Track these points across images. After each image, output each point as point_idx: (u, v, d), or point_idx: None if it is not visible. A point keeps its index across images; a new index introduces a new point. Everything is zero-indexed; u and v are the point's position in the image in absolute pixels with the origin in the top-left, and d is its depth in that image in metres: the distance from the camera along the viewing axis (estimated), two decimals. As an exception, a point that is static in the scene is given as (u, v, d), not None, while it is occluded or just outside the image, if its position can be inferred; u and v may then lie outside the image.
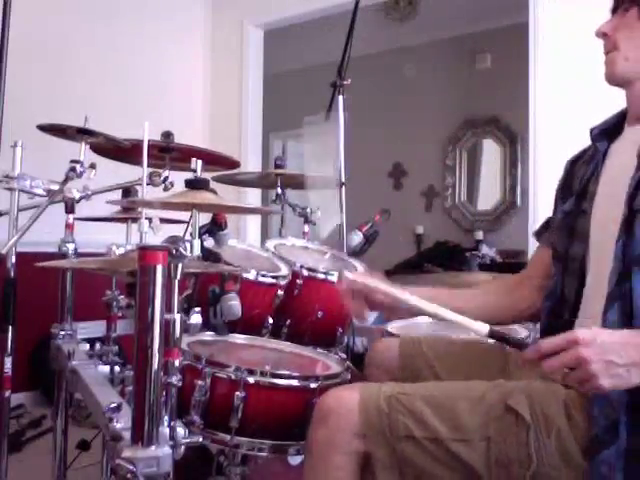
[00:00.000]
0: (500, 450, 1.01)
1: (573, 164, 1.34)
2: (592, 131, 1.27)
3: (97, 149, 1.79)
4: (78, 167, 1.62)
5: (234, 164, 1.96)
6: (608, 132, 1.24)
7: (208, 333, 1.48)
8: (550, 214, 1.38)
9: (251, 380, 1.22)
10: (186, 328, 1.14)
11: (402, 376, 1.38)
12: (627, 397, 0.98)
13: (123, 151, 1.73)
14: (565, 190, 1.32)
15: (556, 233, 1.29)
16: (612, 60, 1.19)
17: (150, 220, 1.38)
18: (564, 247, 1.24)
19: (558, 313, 1.23)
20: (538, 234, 1.42)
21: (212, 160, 1.81)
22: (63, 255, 1.70)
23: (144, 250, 0.90)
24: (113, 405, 0.98)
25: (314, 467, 1.08)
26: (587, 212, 1.20)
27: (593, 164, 1.24)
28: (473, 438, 1.02)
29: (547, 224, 1.39)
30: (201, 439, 1.18)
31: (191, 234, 1.29)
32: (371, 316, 3.14)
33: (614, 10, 1.22)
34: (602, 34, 1.21)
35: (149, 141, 1.39)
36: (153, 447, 0.89)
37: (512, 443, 1.01)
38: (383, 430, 1.05)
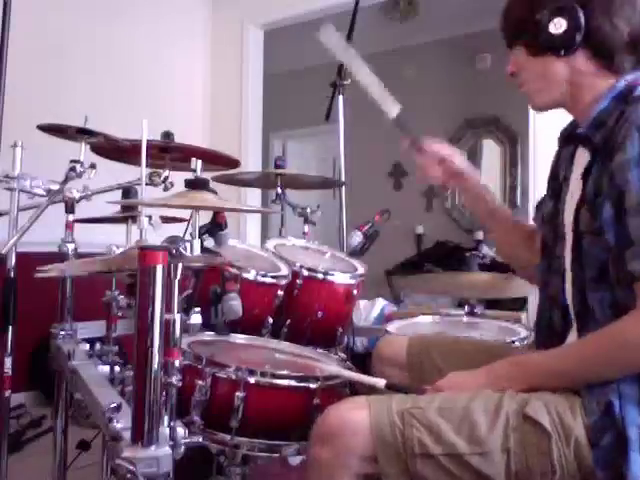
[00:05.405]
0: (521, 461, 0.99)
1: (559, 152, 1.31)
2: (560, 135, 1.27)
3: (97, 149, 1.79)
4: (78, 167, 1.62)
5: (234, 163, 1.96)
6: (573, 135, 1.22)
7: (208, 333, 1.48)
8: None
9: (251, 380, 1.22)
10: (186, 328, 1.14)
11: (409, 376, 1.38)
12: (616, 383, 0.99)
13: (123, 151, 1.73)
14: (552, 175, 1.31)
15: (545, 228, 1.28)
16: (529, 96, 1.21)
17: (150, 217, 1.38)
18: (552, 245, 1.23)
19: (549, 313, 1.23)
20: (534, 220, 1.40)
21: (212, 159, 1.81)
22: (63, 255, 1.70)
23: (144, 250, 0.90)
24: (113, 405, 0.98)
25: None
26: (562, 214, 1.19)
27: (566, 165, 1.23)
28: (493, 450, 0.99)
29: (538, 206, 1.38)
30: (201, 439, 1.18)
31: (191, 234, 1.29)
32: (371, 316, 3.14)
33: (509, 46, 1.22)
34: (510, 74, 1.22)
35: (149, 141, 1.39)
36: (153, 447, 0.89)
37: (533, 453, 0.99)
38: (397, 447, 1.01)
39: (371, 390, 1.20)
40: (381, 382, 1.20)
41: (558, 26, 1.09)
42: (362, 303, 2.97)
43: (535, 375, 1.08)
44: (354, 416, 1.05)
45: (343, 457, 1.03)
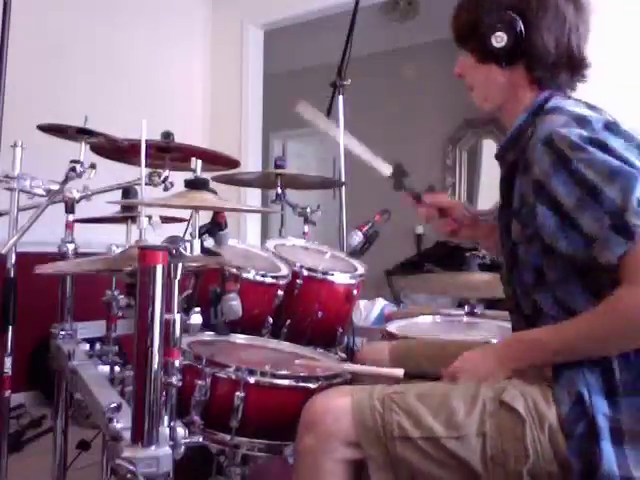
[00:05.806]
0: (496, 445, 1.02)
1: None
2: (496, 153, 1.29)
3: (97, 149, 1.79)
4: (78, 167, 1.62)
5: (234, 163, 1.95)
6: (507, 151, 1.24)
7: (208, 333, 1.48)
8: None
9: (251, 380, 1.22)
10: (186, 328, 1.14)
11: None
12: (582, 372, 1.02)
13: (123, 151, 1.73)
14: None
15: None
16: (476, 100, 1.24)
17: (150, 217, 1.38)
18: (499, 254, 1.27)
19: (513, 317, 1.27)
20: None
21: (212, 159, 1.81)
22: (63, 255, 1.70)
23: (144, 250, 0.90)
24: (113, 405, 0.98)
25: (305, 474, 1.08)
26: (501, 227, 1.22)
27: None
28: (469, 434, 1.02)
29: None
30: (201, 439, 1.18)
31: (191, 234, 1.29)
32: (371, 316, 3.13)
33: (458, 46, 1.24)
34: (457, 75, 1.24)
35: (148, 141, 1.39)
36: (153, 447, 0.89)
37: (508, 438, 1.01)
38: (377, 431, 1.04)
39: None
40: (399, 372, 1.20)
41: (499, 40, 1.12)
42: (362, 303, 2.97)
43: (535, 351, 1.08)
44: (337, 402, 1.08)
45: (326, 443, 1.05)
